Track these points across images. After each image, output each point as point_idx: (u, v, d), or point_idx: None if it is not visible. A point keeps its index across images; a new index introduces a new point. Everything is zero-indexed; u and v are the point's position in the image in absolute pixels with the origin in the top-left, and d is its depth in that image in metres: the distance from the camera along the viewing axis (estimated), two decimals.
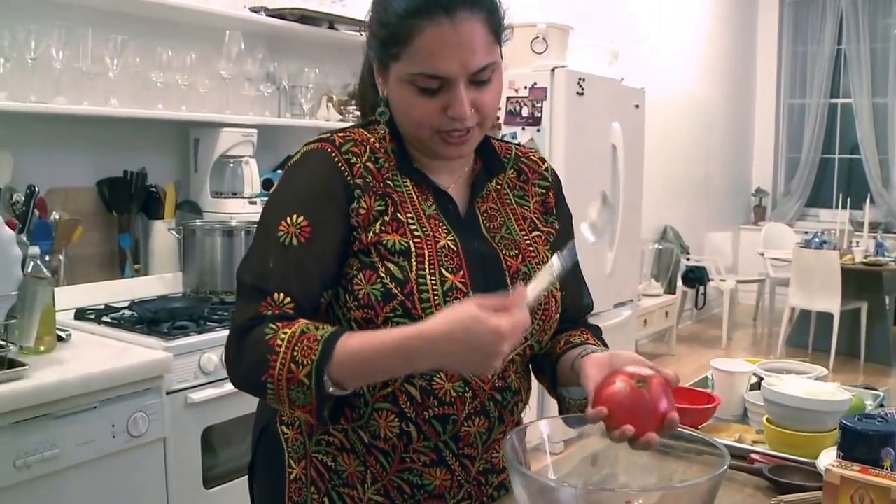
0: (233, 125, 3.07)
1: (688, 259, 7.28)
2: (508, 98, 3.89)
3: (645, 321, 6.05)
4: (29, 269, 2.16)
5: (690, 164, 7.72)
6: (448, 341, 1.04)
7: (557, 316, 1.34)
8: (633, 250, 4.51)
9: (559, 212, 1.42)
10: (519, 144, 1.46)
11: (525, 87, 3.86)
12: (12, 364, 1.99)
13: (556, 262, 1.16)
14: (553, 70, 3.80)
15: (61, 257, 2.69)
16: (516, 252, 1.31)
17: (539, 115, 3.84)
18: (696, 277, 7.14)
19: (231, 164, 3.08)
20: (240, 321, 1.17)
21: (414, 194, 1.27)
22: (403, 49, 1.18)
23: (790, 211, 8.79)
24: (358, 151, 1.25)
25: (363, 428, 1.25)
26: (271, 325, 1.14)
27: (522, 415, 1.38)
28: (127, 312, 2.56)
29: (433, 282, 1.19)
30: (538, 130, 3.84)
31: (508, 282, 1.27)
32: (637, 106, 4.44)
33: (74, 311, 2.59)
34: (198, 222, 2.94)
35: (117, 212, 2.88)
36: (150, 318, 2.43)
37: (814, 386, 1.55)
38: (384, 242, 1.21)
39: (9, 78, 2.49)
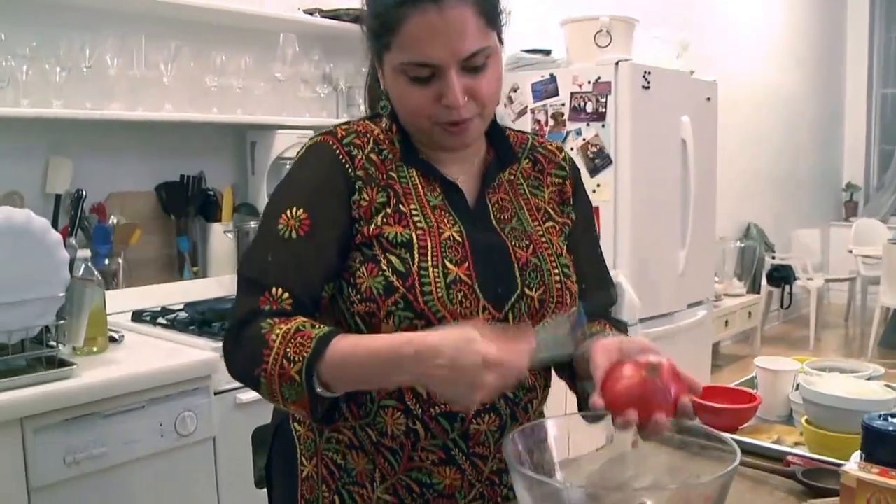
0: (289, 127, 3.11)
1: (773, 257, 7.08)
2: (572, 94, 3.84)
3: (726, 322, 5.92)
4: (80, 273, 2.22)
5: (774, 158, 7.50)
6: (434, 355, 1.03)
7: (572, 311, 1.31)
8: (708, 248, 4.38)
9: (577, 202, 1.39)
10: (536, 134, 1.44)
11: (589, 83, 3.80)
12: (62, 363, 2.05)
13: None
14: (617, 64, 3.73)
15: (120, 261, 2.76)
16: (527, 243, 1.28)
17: (604, 110, 3.78)
18: (781, 276, 6.94)
19: (288, 166, 3.10)
20: (238, 314, 1.19)
21: (419, 185, 1.26)
22: (392, 38, 1.18)
23: (884, 206, 8.46)
24: (360, 143, 1.25)
25: (370, 425, 1.24)
26: (268, 321, 1.15)
27: (540, 412, 1.36)
28: (181, 314, 2.61)
29: (436, 274, 1.18)
30: (603, 126, 3.78)
31: (517, 274, 1.25)
32: (709, 99, 4.32)
33: (131, 313, 2.65)
34: (253, 224, 2.99)
35: (175, 215, 2.94)
36: (200, 320, 2.48)
37: (856, 385, 1.48)
38: (386, 234, 1.20)
39: (65, 86, 2.56)
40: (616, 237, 3.74)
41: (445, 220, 1.24)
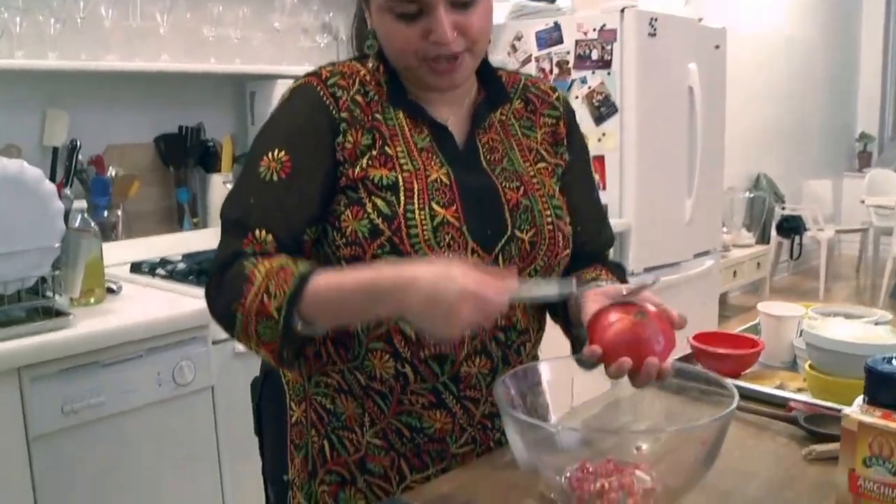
0: (289, 77, 3.04)
1: (783, 208, 7.00)
2: (577, 42, 3.77)
3: (735, 272, 5.87)
4: (76, 224, 2.20)
5: (786, 108, 7.39)
6: (415, 289, 1.02)
7: (566, 253, 1.28)
8: (715, 198, 4.33)
9: (571, 143, 1.35)
10: (530, 75, 1.39)
11: (594, 30, 3.72)
12: (59, 314, 2.03)
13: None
14: (622, 10, 3.65)
15: (119, 213, 2.73)
16: (518, 184, 1.25)
17: (609, 57, 3.71)
18: (791, 227, 6.87)
19: None
20: (221, 256, 1.17)
21: (406, 127, 1.22)
22: None
23: None
24: (345, 84, 1.21)
25: (359, 369, 1.22)
26: (252, 260, 1.14)
27: (534, 356, 1.33)
28: (180, 265, 2.58)
29: (422, 216, 1.15)
30: (608, 74, 3.71)
31: (507, 216, 1.21)
32: (717, 47, 4.24)
33: (130, 265, 2.63)
34: None
35: (174, 167, 2.91)
36: (199, 270, 2.45)
37: (861, 329, 1.44)
38: (371, 177, 1.17)
39: (59, 38, 2.52)
40: (622, 186, 3.70)
41: (433, 163, 1.20)
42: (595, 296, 1.14)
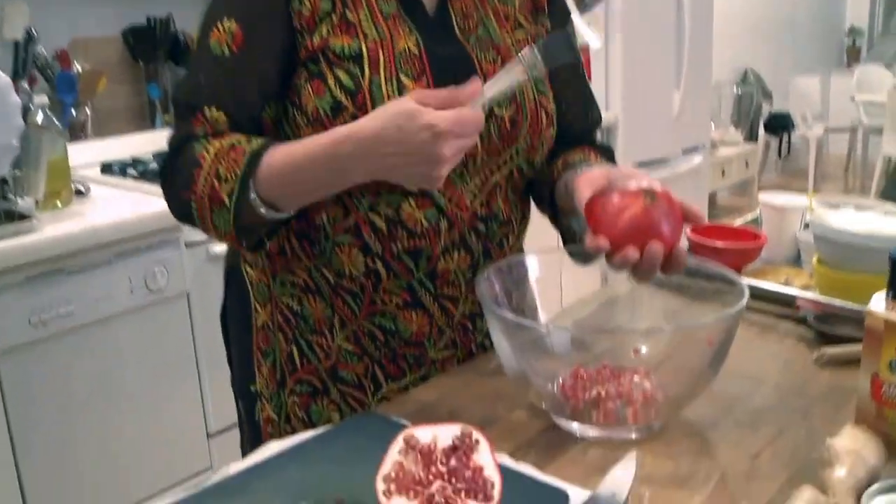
0: None
1: (771, 105, 6.81)
2: None
3: (723, 171, 5.74)
4: (38, 120, 2.04)
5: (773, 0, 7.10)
6: (380, 143, 0.91)
7: (551, 132, 1.15)
8: (703, 91, 4.15)
9: (552, 10, 1.20)
10: None
11: None
12: (21, 217, 1.89)
13: (526, 54, 0.94)
14: None
15: (87, 110, 2.57)
16: (494, 55, 1.11)
17: None
18: (779, 125, 6.71)
19: None
20: (172, 142, 1.05)
21: None
22: None
23: (889, 51, 8.08)
24: None
25: (326, 265, 1.10)
26: (202, 141, 1.01)
27: (518, 248, 1.21)
28: (153, 165, 2.43)
29: (389, 90, 1.01)
30: None
31: None
32: None
33: (100, 165, 2.47)
34: None
35: (144, 61, 2.72)
36: None
37: (873, 221, 1.30)
38: (332, 47, 1.02)
39: None
40: (608, 77, 3.54)
41: (400, 30, 1.05)
42: (588, 181, 1.01)
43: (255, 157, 0.98)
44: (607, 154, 1.23)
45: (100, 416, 2.01)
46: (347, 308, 1.12)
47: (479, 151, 1.07)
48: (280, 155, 0.98)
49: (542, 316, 1.12)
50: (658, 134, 3.78)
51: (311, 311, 1.13)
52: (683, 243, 0.98)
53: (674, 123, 3.87)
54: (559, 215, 1.18)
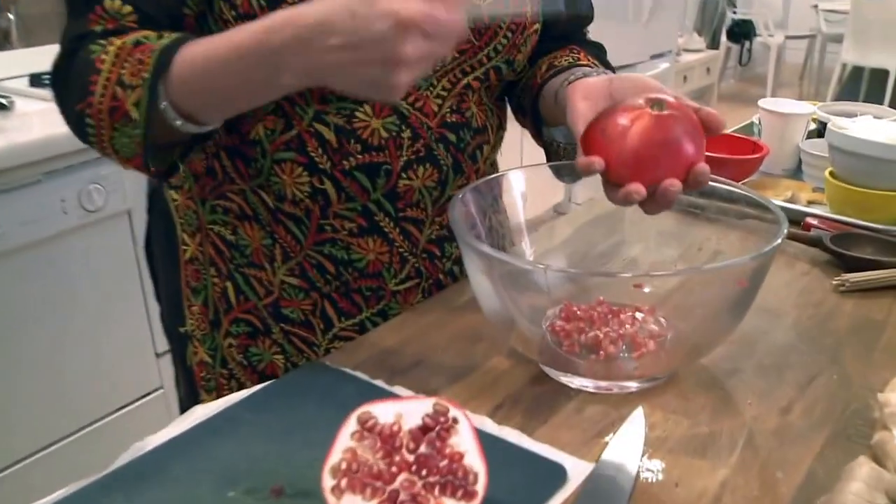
0: None
1: (734, 12, 6.57)
2: None
3: (685, 77, 5.52)
4: None
5: None
6: (325, 33, 0.66)
7: (535, 28, 0.94)
8: None
9: None
10: None
11: None
12: None
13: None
14: None
15: (11, 16, 2.28)
16: None
17: None
18: (742, 32, 6.48)
19: None
20: (64, 43, 0.80)
21: None
22: None
23: None
24: None
25: (264, 187, 0.90)
26: (100, 41, 0.77)
27: (492, 162, 1.02)
28: None
29: None
30: None
31: None
32: None
33: (28, 77, 2.19)
34: None
35: None
36: None
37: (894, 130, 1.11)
38: None
39: None
40: None
41: None
42: (585, 91, 0.81)
43: (166, 54, 0.74)
44: (599, 54, 1.02)
45: (42, 341, 1.82)
46: (290, 236, 0.92)
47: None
48: (199, 50, 0.74)
49: (526, 241, 0.92)
50: (628, 39, 3.57)
51: (247, 240, 0.93)
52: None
53: (643, 29, 3.67)
54: (543, 127, 0.99)
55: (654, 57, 3.83)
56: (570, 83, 0.84)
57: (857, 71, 6.08)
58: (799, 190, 1.24)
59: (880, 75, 5.61)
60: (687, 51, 5.68)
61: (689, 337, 0.79)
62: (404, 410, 0.56)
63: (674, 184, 0.70)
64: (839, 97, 6.12)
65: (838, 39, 6.00)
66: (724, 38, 6.44)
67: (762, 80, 6.61)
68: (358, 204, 0.90)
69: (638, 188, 0.71)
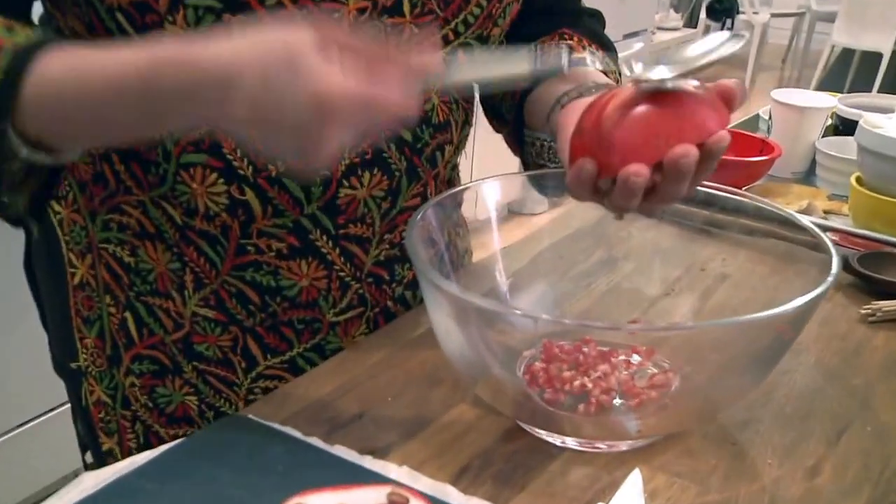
0: None
1: None
2: None
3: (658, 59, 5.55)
4: None
5: None
6: (229, 87, 0.57)
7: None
8: None
9: None
10: None
11: None
12: None
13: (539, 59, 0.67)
14: None
15: None
16: None
17: None
18: (724, 9, 6.53)
19: None
20: None
21: None
22: None
23: None
24: None
25: (168, 199, 0.81)
26: None
27: (453, 169, 0.97)
28: None
29: None
30: None
31: None
32: None
33: None
34: None
35: None
36: None
37: None
38: None
39: None
40: None
41: None
42: (580, 111, 0.72)
43: (23, 57, 0.63)
44: (595, 30, 0.95)
45: None
46: (204, 259, 0.84)
47: (406, 21, 0.77)
48: (62, 64, 0.63)
49: (500, 266, 0.86)
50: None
51: (150, 264, 0.86)
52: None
53: (617, 6, 3.68)
54: (522, 129, 0.92)
55: (627, 36, 3.86)
56: (563, 106, 0.78)
57: (846, 54, 6.15)
58: (813, 197, 1.19)
59: (871, 59, 5.67)
60: (662, 29, 5.72)
61: (701, 388, 0.72)
62: (349, 502, 0.47)
63: (686, 152, 0.62)
64: (823, 83, 6.19)
65: (829, 18, 6.08)
66: (703, 14, 6.50)
67: (741, 62, 6.65)
68: (288, 219, 0.82)
69: (638, 168, 0.62)
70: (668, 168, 0.62)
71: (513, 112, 0.93)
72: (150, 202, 0.82)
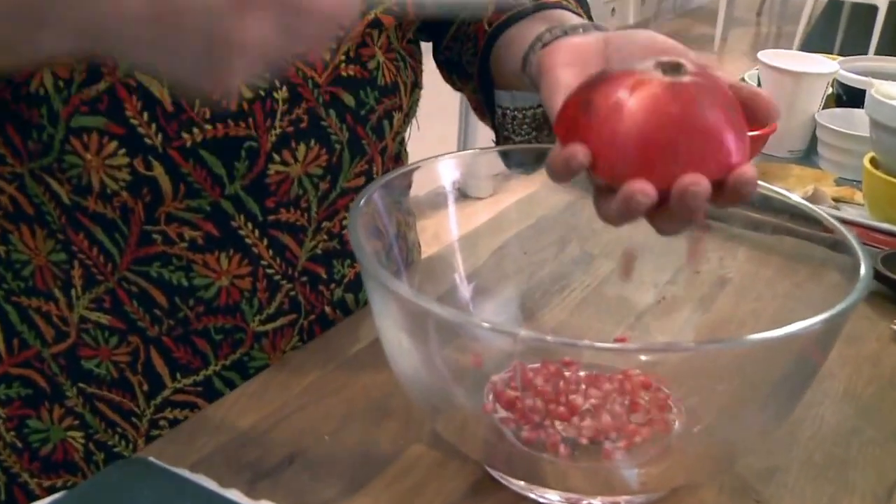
0: None
1: None
2: None
3: (613, 9, 5.67)
4: None
5: None
6: None
7: None
8: None
9: None
10: None
11: None
12: None
13: None
14: None
15: None
16: None
17: None
18: None
19: None
20: None
21: None
22: None
23: None
24: None
25: (54, 172, 0.77)
26: None
27: (401, 143, 0.97)
28: None
29: None
30: None
31: None
32: None
33: None
34: None
35: None
36: None
37: None
38: None
39: None
40: None
41: None
42: (567, 57, 0.71)
43: None
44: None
45: None
46: (98, 250, 0.80)
47: None
48: None
49: (458, 259, 0.83)
50: None
51: (26, 254, 0.82)
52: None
53: None
54: (492, 91, 0.91)
55: None
56: (545, 45, 0.75)
57: (834, 7, 6.19)
58: (818, 181, 1.18)
59: (863, 13, 5.69)
60: None
61: (711, 426, 0.67)
62: None
63: (696, 181, 0.57)
64: (808, 40, 6.25)
65: None
66: None
67: (710, 16, 6.75)
68: (205, 201, 0.79)
69: (643, 187, 0.58)
70: (676, 197, 0.58)
71: (476, 63, 0.91)
72: (28, 175, 0.78)
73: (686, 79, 0.60)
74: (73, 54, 0.67)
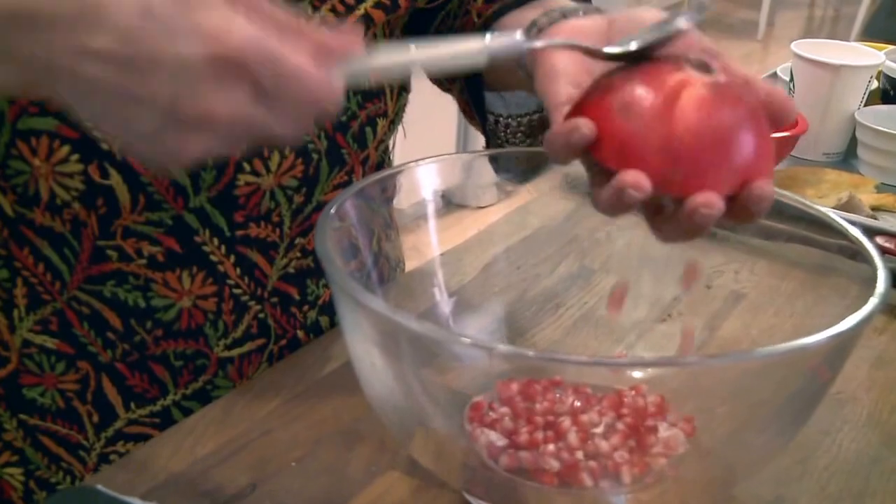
0: None
1: None
2: None
3: None
4: None
5: None
6: (89, 23, 0.54)
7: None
8: None
9: None
10: None
11: None
12: None
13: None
14: None
15: None
16: None
17: None
18: None
19: None
20: None
21: None
22: None
23: None
24: None
25: None
26: None
27: (385, 152, 1.03)
28: None
29: None
30: None
31: None
32: None
33: None
34: None
35: None
36: None
37: None
38: None
39: None
40: None
41: None
42: (567, 34, 0.77)
43: None
44: None
45: None
46: (44, 266, 0.86)
47: None
48: None
49: (439, 277, 0.88)
50: None
51: None
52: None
53: None
54: (480, 92, 0.97)
55: None
56: (541, 30, 0.79)
57: None
58: (856, 188, 1.22)
59: None
60: None
61: (712, 450, 0.73)
62: None
63: (709, 203, 0.63)
64: (870, 26, 6.30)
65: None
66: None
67: None
68: (167, 214, 0.84)
69: (638, 179, 0.63)
70: (686, 214, 0.63)
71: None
72: None
73: (722, 79, 0.65)
74: (16, 91, 0.70)
